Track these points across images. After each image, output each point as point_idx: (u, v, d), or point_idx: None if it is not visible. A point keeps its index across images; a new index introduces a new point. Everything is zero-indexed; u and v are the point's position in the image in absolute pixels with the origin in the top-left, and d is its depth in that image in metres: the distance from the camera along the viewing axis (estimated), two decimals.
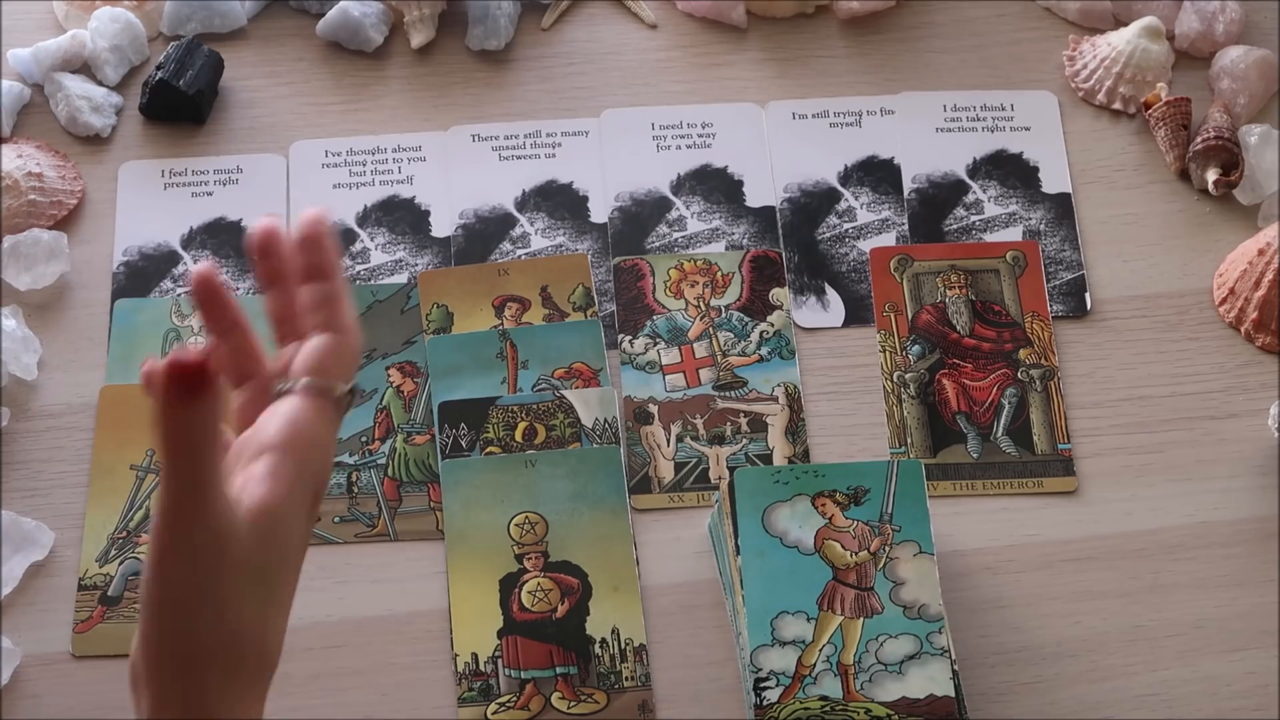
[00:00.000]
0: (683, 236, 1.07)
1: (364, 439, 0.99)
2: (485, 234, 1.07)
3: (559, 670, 0.92)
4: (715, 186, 1.09)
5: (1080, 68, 1.13)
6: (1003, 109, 1.12)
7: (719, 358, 1.03)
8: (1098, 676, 0.92)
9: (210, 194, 1.08)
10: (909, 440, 1.00)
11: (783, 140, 1.11)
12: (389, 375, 1.01)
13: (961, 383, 1.02)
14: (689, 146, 1.10)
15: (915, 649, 0.86)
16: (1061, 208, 1.09)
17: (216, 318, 0.73)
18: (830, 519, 0.89)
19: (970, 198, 1.09)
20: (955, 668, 0.86)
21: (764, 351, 1.03)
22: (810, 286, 1.05)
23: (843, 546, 0.89)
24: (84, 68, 1.12)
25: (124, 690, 0.91)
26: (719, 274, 1.05)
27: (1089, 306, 1.05)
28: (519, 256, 1.06)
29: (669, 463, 0.99)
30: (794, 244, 1.07)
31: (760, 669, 0.86)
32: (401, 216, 1.07)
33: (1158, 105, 1.10)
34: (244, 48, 1.14)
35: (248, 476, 0.67)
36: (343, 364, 0.74)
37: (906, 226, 1.08)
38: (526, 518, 0.96)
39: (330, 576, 0.95)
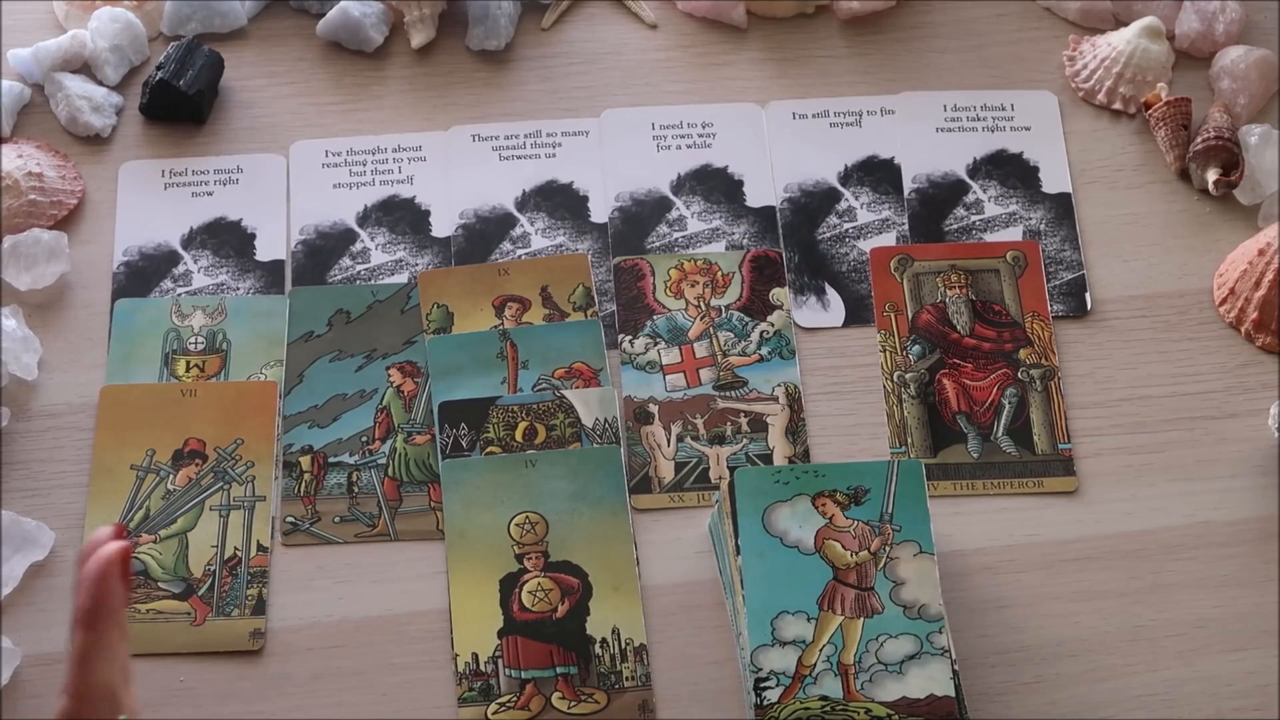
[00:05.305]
0: (683, 236, 1.07)
1: (364, 439, 0.99)
2: (485, 234, 1.07)
3: (559, 670, 0.92)
4: (715, 186, 1.09)
5: (1080, 68, 1.13)
6: (1003, 109, 1.12)
7: (719, 358, 1.03)
8: (1098, 676, 0.92)
9: (210, 194, 1.08)
10: (909, 440, 1.00)
11: (783, 140, 1.11)
12: (389, 375, 1.01)
13: (962, 382, 1.02)
14: (689, 146, 1.10)
15: (915, 649, 0.86)
16: (1061, 208, 1.08)
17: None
18: (830, 519, 0.89)
19: (970, 198, 1.09)
20: (955, 668, 0.86)
21: (764, 351, 1.03)
22: (810, 286, 1.05)
23: (843, 546, 0.89)
24: (84, 68, 1.12)
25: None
26: (719, 274, 1.05)
27: (1089, 306, 1.05)
28: (519, 256, 1.06)
29: (669, 463, 0.99)
30: (794, 244, 1.07)
31: (760, 669, 0.86)
32: (402, 216, 1.07)
33: (1158, 105, 1.10)
34: (244, 48, 1.14)
35: None
36: None
37: (906, 226, 1.08)
38: (527, 518, 0.96)
39: (330, 576, 0.95)
